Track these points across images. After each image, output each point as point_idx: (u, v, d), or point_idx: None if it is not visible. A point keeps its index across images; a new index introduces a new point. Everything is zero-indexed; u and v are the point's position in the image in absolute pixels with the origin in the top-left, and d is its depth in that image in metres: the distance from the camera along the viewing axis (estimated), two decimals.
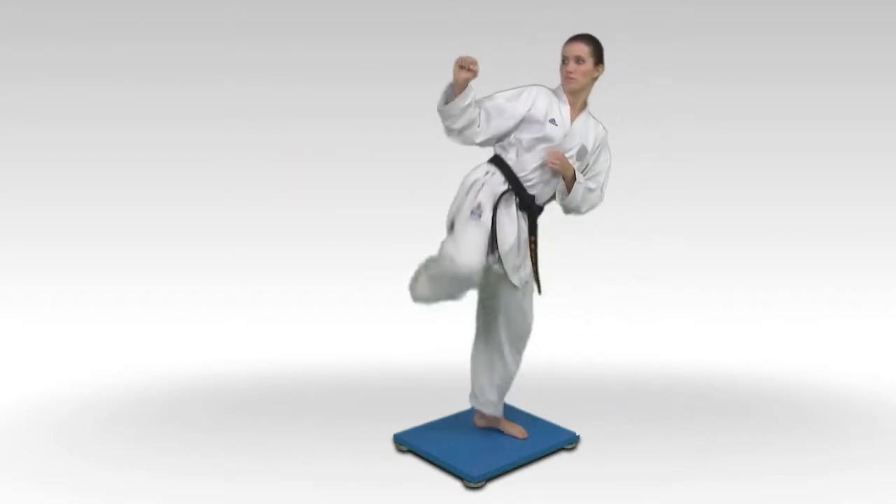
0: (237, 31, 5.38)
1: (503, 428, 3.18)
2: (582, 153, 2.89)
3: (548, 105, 2.83)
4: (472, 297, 3.07)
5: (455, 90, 2.70)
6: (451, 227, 2.83)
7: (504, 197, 2.81)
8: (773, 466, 3.03)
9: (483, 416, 3.19)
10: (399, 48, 5.29)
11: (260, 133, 5.34)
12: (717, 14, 5.41)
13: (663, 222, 5.08)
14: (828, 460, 3.08)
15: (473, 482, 2.85)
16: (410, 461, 3.07)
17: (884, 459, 3.09)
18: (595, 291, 4.73)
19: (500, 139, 2.85)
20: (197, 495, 2.77)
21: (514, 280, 2.89)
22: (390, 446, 3.17)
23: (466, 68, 2.63)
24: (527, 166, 2.82)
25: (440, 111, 2.76)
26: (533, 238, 2.91)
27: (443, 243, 2.82)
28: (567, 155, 2.84)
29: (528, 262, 2.93)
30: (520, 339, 3.09)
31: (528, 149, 2.82)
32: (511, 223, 2.82)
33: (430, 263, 2.84)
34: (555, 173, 2.84)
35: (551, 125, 2.81)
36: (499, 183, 2.81)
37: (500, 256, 2.81)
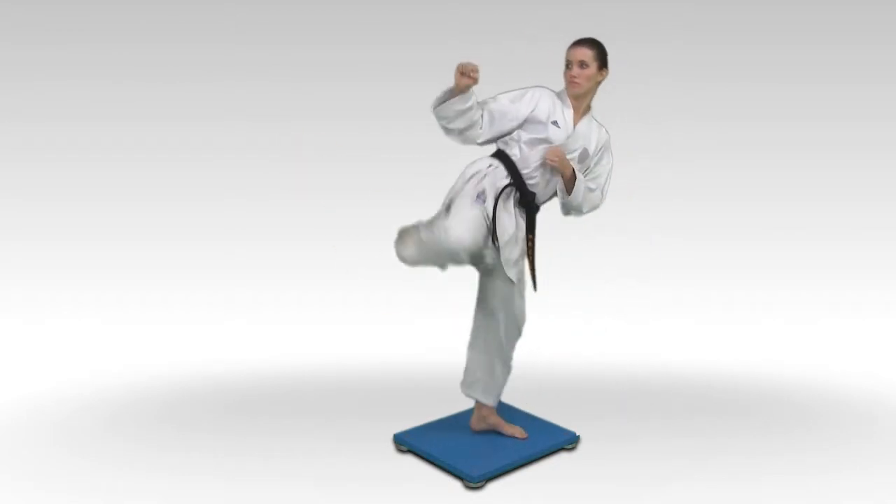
0: (237, 31, 5.38)
1: (503, 430, 3.17)
2: (583, 156, 2.90)
3: (551, 107, 2.84)
4: (471, 297, 3.08)
5: (455, 94, 2.70)
6: (448, 209, 2.81)
7: (505, 191, 2.81)
8: (773, 466, 3.03)
9: (481, 419, 3.17)
10: (399, 48, 5.29)
11: (260, 133, 5.34)
12: (717, 14, 5.41)
13: (663, 222, 5.08)
14: (828, 460, 3.08)
15: (473, 482, 2.85)
16: (410, 461, 3.07)
17: (884, 459, 3.09)
18: (595, 291, 4.73)
19: (501, 137, 2.86)
20: (197, 495, 2.77)
21: (511, 274, 2.90)
22: (390, 446, 3.17)
23: (467, 75, 2.62)
24: (530, 163, 2.83)
25: (434, 112, 2.78)
26: (531, 236, 2.92)
27: (438, 214, 2.79)
28: (568, 157, 2.84)
29: (525, 260, 2.93)
30: (514, 336, 3.08)
31: (530, 147, 2.83)
32: (509, 218, 2.83)
33: (422, 228, 2.78)
34: (553, 171, 2.84)
35: (553, 127, 2.82)
36: (501, 177, 2.82)
37: (497, 247, 2.80)
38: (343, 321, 4.55)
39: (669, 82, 5.22)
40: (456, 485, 2.88)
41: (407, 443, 3.13)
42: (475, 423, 3.18)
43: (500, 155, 2.86)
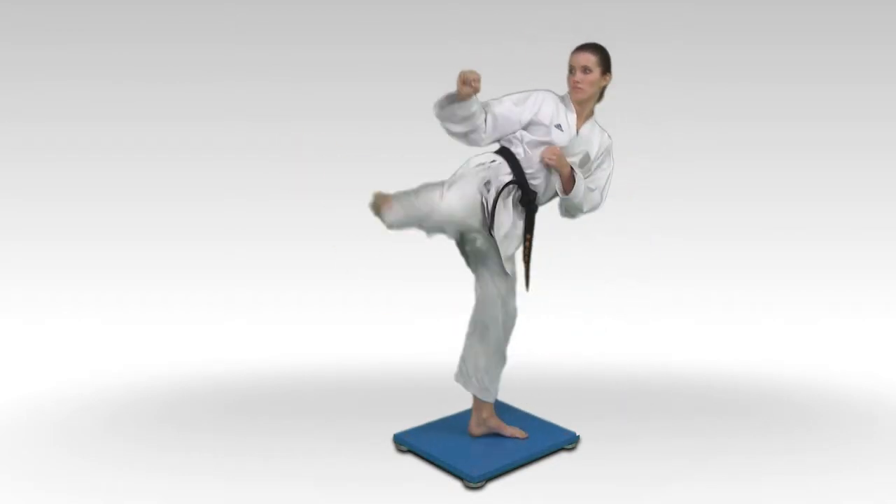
0: (237, 31, 5.38)
1: (503, 432, 3.17)
2: (584, 160, 2.90)
3: (554, 111, 2.84)
4: (470, 297, 3.07)
5: (456, 101, 2.71)
6: (450, 184, 2.81)
7: (507, 188, 2.81)
8: (773, 466, 3.03)
9: (480, 423, 3.16)
10: (399, 48, 5.29)
11: (260, 133, 5.34)
12: (717, 14, 5.41)
13: (663, 222, 5.08)
14: (828, 460, 3.08)
15: (473, 482, 2.85)
16: (410, 461, 3.07)
17: (884, 459, 3.09)
18: (595, 291, 4.73)
19: (505, 137, 2.87)
20: (197, 495, 2.77)
21: (508, 269, 2.91)
22: (390, 446, 3.17)
23: (469, 84, 2.62)
24: (533, 164, 2.84)
25: (437, 116, 2.79)
26: (528, 236, 2.92)
27: (429, 184, 2.80)
28: (569, 160, 2.84)
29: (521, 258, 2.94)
30: (509, 330, 3.08)
31: (533, 148, 2.83)
32: (507, 213, 2.83)
33: (412, 193, 2.77)
34: (551, 170, 2.84)
35: (557, 130, 2.82)
36: (504, 173, 2.82)
37: (492, 236, 2.81)
38: (343, 321, 4.55)
39: (669, 82, 5.22)
40: (456, 485, 2.88)
41: (407, 443, 3.13)
42: (474, 428, 3.16)
43: (505, 152, 2.86)
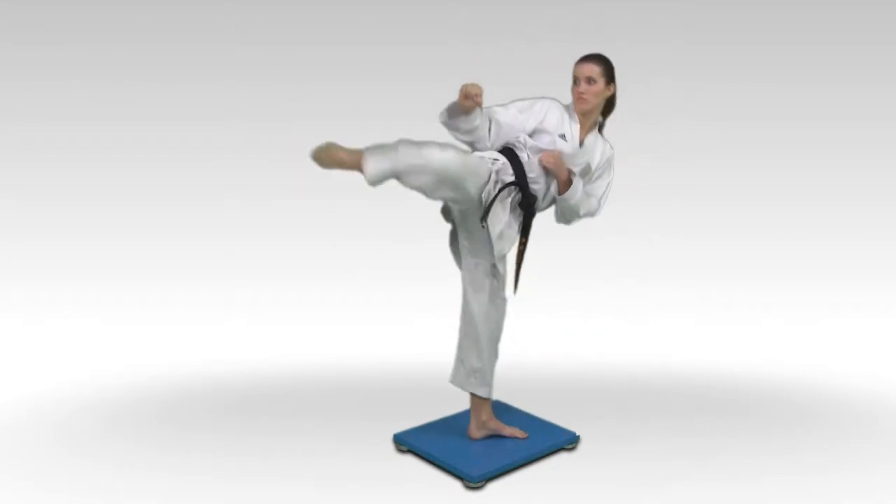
0: (237, 31, 5.38)
1: (503, 433, 3.16)
2: (585, 171, 2.91)
3: (559, 120, 2.85)
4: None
5: (459, 113, 2.71)
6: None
7: (507, 189, 2.81)
8: (773, 466, 3.03)
9: (480, 426, 3.16)
10: (399, 48, 5.29)
11: (260, 133, 5.34)
12: (717, 14, 5.41)
13: (663, 222, 5.08)
14: (828, 460, 3.08)
15: (473, 482, 2.85)
16: (410, 461, 3.07)
17: (884, 459, 3.09)
18: (595, 291, 4.73)
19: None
20: (197, 495, 2.77)
21: (500, 268, 2.92)
22: (390, 446, 3.17)
23: (471, 98, 2.61)
24: (535, 168, 2.84)
25: (443, 123, 2.79)
26: (523, 240, 2.92)
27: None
28: (572, 169, 2.85)
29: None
30: (501, 324, 3.08)
31: (535, 154, 2.83)
32: (504, 212, 2.82)
33: (393, 145, 2.63)
34: (548, 173, 2.84)
35: (560, 140, 2.83)
36: (507, 174, 2.82)
37: (485, 227, 2.79)
38: (343, 321, 4.55)
39: (669, 82, 5.22)
40: (456, 485, 2.88)
41: (407, 443, 3.13)
42: (474, 431, 3.15)
43: (509, 153, 2.85)
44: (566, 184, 2.85)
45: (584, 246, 4.41)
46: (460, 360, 3.09)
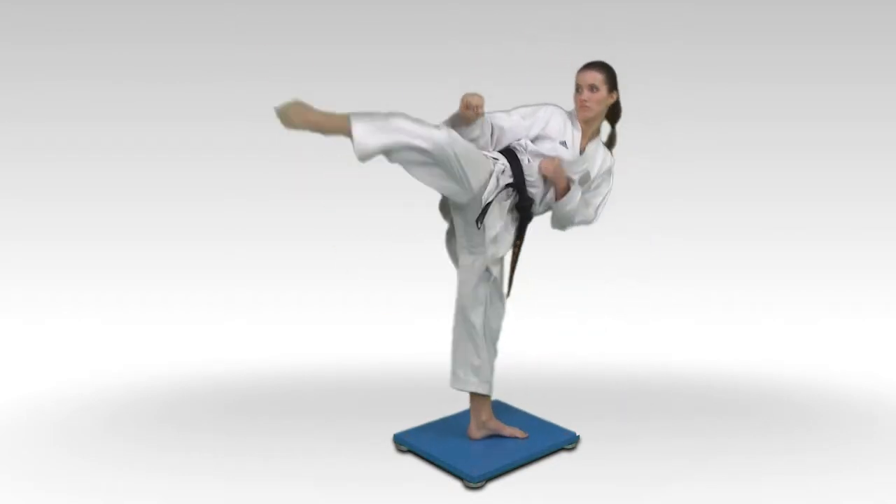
0: (237, 31, 5.38)
1: (503, 433, 3.16)
2: (585, 179, 2.91)
3: (561, 127, 2.85)
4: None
5: (462, 123, 2.71)
6: None
7: (505, 191, 2.82)
8: (773, 466, 3.03)
9: (480, 426, 3.15)
10: (399, 48, 5.29)
11: (260, 133, 5.32)
12: (717, 14, 5.41)
13: (663, 222, 5.08)
14: (828, 460, 3.08)
15: (473, 482, 2.85)
16: (410, 461, 3.07)
17: (884, 459, 3.09)
18: (595, 291, 4.73)
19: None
20: (197, 495, 2.77)
21: (494, 271, 2.91)
22: (390, 446, 3.17)
23: (473, 109, 2.61)
24: (534, 172, 2.85)
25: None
26: (518, 242, 2.92)
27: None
28: (571, 176, 2.85)
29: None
30: (496, 328, 3.07)
31: (535, 157, 2.84)
32: (501, 215, 2.83)
33: (384, 115, 2.61)
34: (547, 180, 2.85)
35: (562, 147, 2.83)
36: (506, 174, 2.82)
37: (480, 228, 2.80)
38: (343, 321, 4.55)
39: (669, 82, 5.22)
40: (456, 485, 2.88)
41: (407, 443, 3.13)
42: (474, 432, 3.15)
43: (510, 154, 2.85)
44: (564, 191, 2.86)
45: (583, 246, 4.41)
46: (457, 361, 3.08)
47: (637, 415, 3.53)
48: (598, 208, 3.00)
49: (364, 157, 2.60)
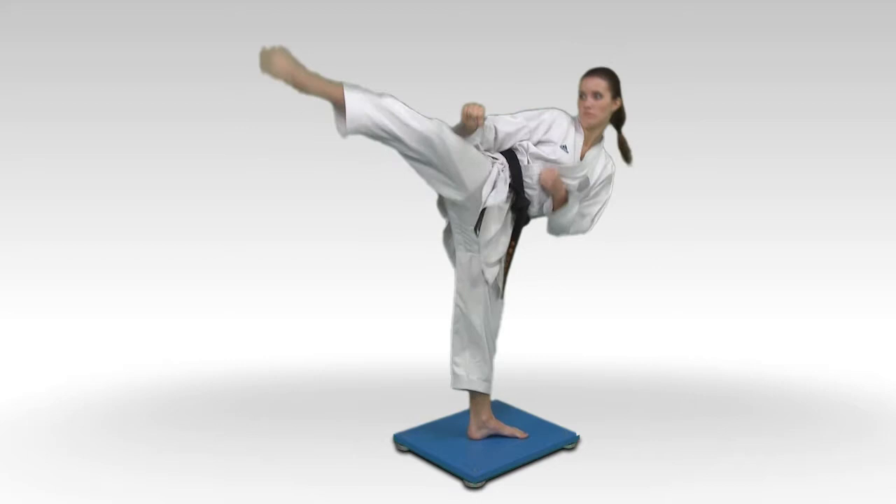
0: (237, 32, 5.38)
1: (503, 432, 3.16)
2: (584, 185, 2.91)
3: (564, 131, 2.85)
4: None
5: (464, 132, 2.72)
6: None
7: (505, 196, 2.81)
8: (773, 466, 3.03)
9: (480, 426, 3.15)
10: (399, 48, 5.29)
11: (260, 133, 5.34)
12: (717, 14, 5.41)
13: (663, 222, 5.08)
14: (828, 460, 3.08)
15: (473, 482, 2.85)
16: (410, 461, 3.07)
17: (884, 459, 3.09)
18: (595, 291, 4.73)
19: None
20: (197, 495, 2.77)
21: (487, 275, 2.91)
22: (390, 446, 3.17)
23: (474, 120, 2.61)
24: (532, 174, 2.84)
25: None
26: (513, 243, 2.93)
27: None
28: (569, 182, 2.86)
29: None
30: (494, 325, 3.07)
31: (535, 160, 2.84)
32: (498, 220, 2.83)
33: (380, 94, 2.58)
34: (545, 190, 2.85)
35: (562, 151, 2.83)
36: (506, 175, 2.82)
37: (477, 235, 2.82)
38: (343, 321, 4.55)
39: (670, 82, 5.22)
40: (456, 485, 2.88)
41: (407, 443, 3.13)
42: (474, 432, 3.15)
43: (509, 154, 2.86)
44: (561, 202, 2.88)
45: (583, 246, 4.41)
46: (455, 362, 3.08)
47: (637, 415, 3.53)
48: (594, 219, 3.00)
49: (353, 130, 2.58)
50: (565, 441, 3.17)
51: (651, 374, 4.03)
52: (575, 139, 2.86)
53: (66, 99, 5.30)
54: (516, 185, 2.83)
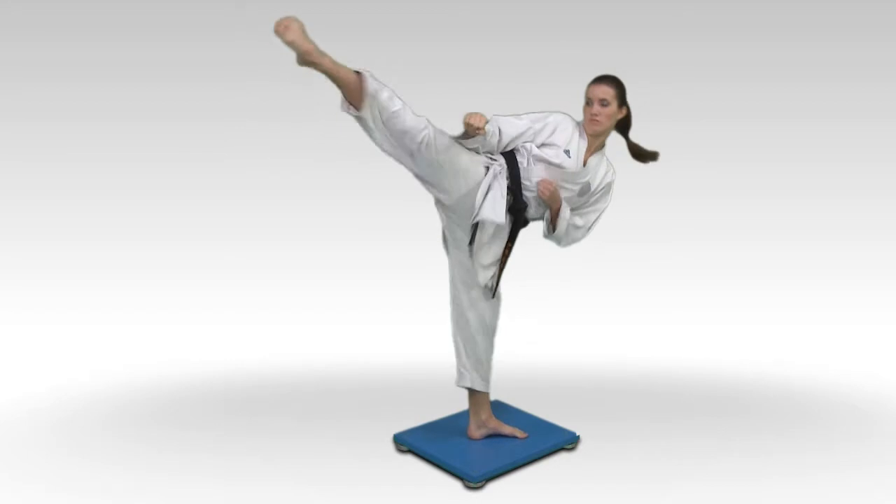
0: (237, 31, 5.38)
1: (503, 432, 3.17)
2: (584, 191, 2.91)
3: (569, 136, 2.85)
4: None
5: (467, 138, 2.73)
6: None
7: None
8: (773, 466, 3.03)
9: (480, 425, 3.16)
10: (399, 48, 5.28)
11: (259, 133, 5.34)
12: (717, 14, 5.41)
13: (663, 222, 5.08)
14: (828, 460, 3.08)
15: (473, 482, 2.85)
16: (410, 461, 3.07)
17: (884, 459, 3.09)
18: (594, 291, 4.73)
19: None
20: (197, 495, 2.77)
21: (480, 278, 2.92)
22: (390, 446, 3.17)
23: (475, 131, 2.62)
24: (531, 176, 2.84)
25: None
26: (509, 245, 2.93)
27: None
28: (571, 187, 2.86)
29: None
30: (491, 323, 3.08)
31: (536, 162, 2.84)
32: (493, 244, 2.87)
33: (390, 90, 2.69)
34: (543, 200, 2.85)
35: (564, 155, 2.83)
36: (503, 177, 2.82)
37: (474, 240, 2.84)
38: (343, 321, 4.55)
39: (670, 82, 5.22)
40: (456, 485, 2.88)
41: (407, 443, 3.13)
42: (474, 431, 3.15)
43: (509, 157, 2.85)
44: (557, 213, 2.89)
45: (582, 246, 4.41)
46: (458, 359, 3.09)
47: (637, 415, 3.53)
48: (590, 226, 3.01)
49: (371, 102, 2.70)
50: (565, 441, 3.17)
51: (651, 375, 4.03)
52: (578, 144, 2.86)
53: (66, 99, 5.30)
54: (514, 186, 2.83)
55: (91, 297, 4.73)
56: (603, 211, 3.01)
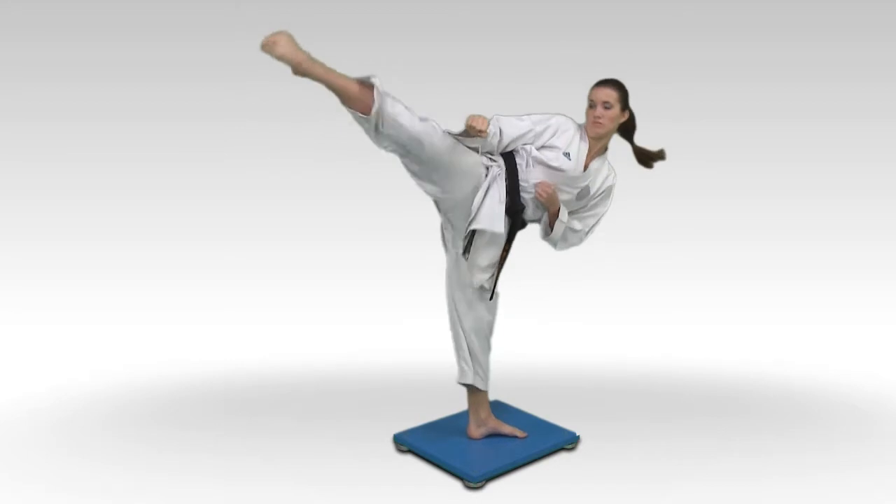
0: (237, 31, 5.38)
1: (502, 431, 3.17)
2: (583, 194, 2.91)
3: (570, 139, 2.84)
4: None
5: (467, 141, 2.73)
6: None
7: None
8: (773, 466, 3.03)
9: (480, 424, 3.16)
10: (399, 48, 5.29)
11: (260, 133, 5.34)
12: (717, 14, 5.41)
13: (663, 222, 5.08)
14: (828, 460, 3.08)
15: (473, 482, 2.85)
16: (410, 461, 3.07)
17: (884, 459, 3.09)
18: (594, 292, 4.73)
19: None
20: (197, 495, 2.77)
21: (475, 280, 2.92)
22: (390, 446, 3.17)
23: (476, 132, 2.62)
24: (529, 178, 2.84)
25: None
26: (507, 246, 2.93)
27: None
28: (571, 190, 2.86)
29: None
30: (489, 322, 3.08)
31: (535, 164, 2.83)
32: (490, 249, 2.87)
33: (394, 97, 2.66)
34: (541, 202, 2.85)
35: (564, 158, 2.82)
36: (502, 178, 2.82)
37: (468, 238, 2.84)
38: (343, 321, 4.55)
39: (670, 82, 5.22)
40: (456, 485, 2.88)
41: (407, 443, 3.13)
42: (473, 430, 3.15)
43: (508, 159, 2.85)
44: (555, 216, 2.89)
45: (582, 246, 4.41)
46: (457, 354, 3.09)
47: (637, 415, 3.53)
48: (588, 230, 3.01)
49: (376, 111, 2.68)
50: (565, 441, 3.17)
51: (651, 375, 4.03)
52: (579, 147, 2.85)
53: (66, 99, 5.31)
54: (512, 187, 2.83)
55: (91, 297, 4.73)
56: (602, 216, 3.00)
